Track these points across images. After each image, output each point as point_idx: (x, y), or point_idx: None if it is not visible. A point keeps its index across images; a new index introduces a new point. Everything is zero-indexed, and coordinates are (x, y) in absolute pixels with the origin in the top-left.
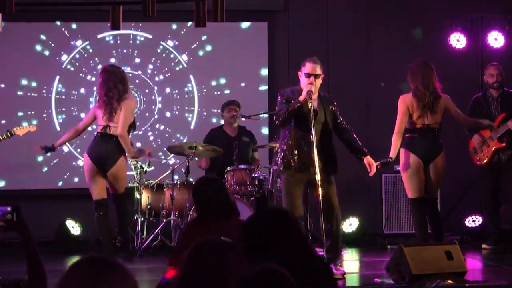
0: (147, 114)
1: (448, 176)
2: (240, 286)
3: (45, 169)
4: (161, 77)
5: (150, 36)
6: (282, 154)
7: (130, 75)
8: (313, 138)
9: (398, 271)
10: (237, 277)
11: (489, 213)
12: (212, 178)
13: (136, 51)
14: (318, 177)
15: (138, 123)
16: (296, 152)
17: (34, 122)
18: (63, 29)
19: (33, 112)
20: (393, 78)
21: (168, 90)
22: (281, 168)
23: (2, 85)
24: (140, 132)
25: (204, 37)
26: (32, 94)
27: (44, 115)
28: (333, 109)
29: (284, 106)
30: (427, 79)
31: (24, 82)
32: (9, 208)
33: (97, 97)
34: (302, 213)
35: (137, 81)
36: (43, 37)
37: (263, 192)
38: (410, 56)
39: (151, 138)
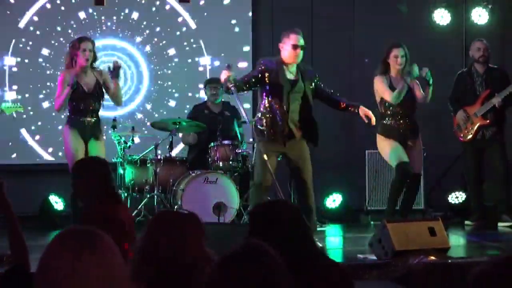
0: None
1: (432, 153)
2: (222, 262)
3: (28, 143)
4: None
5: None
6: (258, 124)
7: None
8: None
9: (381, 247)
10: (198, 248)
11: (472, 190)
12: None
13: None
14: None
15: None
16: (268, 122)
17: None
18: None
19: None
20: (377, 54)
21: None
22: (256, 139)
23: None
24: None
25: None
26: None
27: None
28: (315, 81)
29: (251, 78)
30: None
31: None
32: None
33: None
34: (270, 184)
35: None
36: None
37: (247, 167)
38: (394, 32)
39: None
